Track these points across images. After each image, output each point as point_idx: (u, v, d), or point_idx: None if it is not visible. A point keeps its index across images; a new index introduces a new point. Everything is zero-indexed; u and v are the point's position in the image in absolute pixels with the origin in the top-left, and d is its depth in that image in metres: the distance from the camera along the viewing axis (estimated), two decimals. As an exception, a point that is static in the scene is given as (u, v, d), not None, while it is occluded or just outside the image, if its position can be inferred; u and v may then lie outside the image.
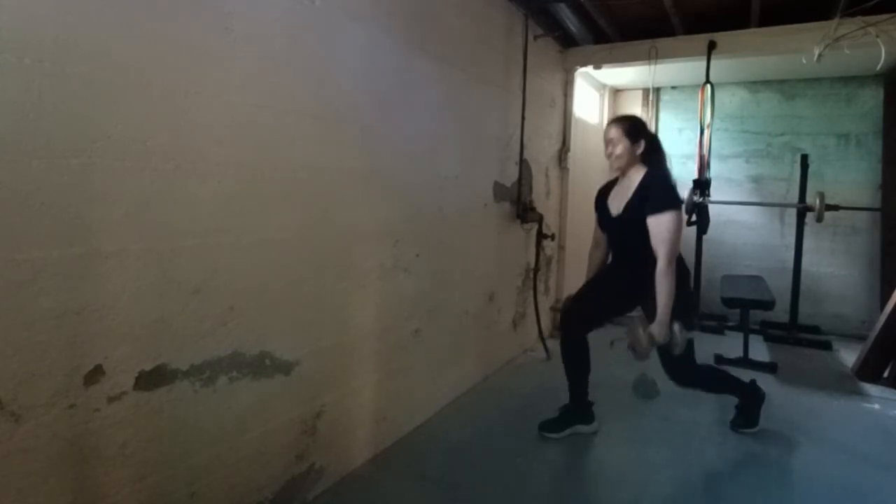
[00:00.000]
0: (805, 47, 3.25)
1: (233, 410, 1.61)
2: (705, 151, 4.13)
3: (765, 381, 2.97)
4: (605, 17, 3.52)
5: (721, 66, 3.98)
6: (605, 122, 5.13)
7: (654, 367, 2.32)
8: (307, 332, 1.86)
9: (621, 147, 2.26)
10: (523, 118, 3.30)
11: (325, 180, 1.89)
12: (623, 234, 2.32)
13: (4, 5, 1.07)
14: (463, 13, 2.67)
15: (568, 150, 4.08)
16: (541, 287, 3.76)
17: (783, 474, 2.21)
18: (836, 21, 3.04)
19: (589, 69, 4.16)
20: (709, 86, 3.99)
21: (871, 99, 4.32)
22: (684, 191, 4.17)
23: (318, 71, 1.83)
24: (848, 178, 4.42)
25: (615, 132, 2.28)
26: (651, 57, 3.73)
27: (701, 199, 4.13)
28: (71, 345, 1.22)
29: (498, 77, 3.06)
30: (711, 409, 2.76)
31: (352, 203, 2.02)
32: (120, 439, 1.33)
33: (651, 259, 2.12)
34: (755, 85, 4.72)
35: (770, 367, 3.41)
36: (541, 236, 3.60)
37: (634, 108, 5.23)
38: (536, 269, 3.60)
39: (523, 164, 3.38)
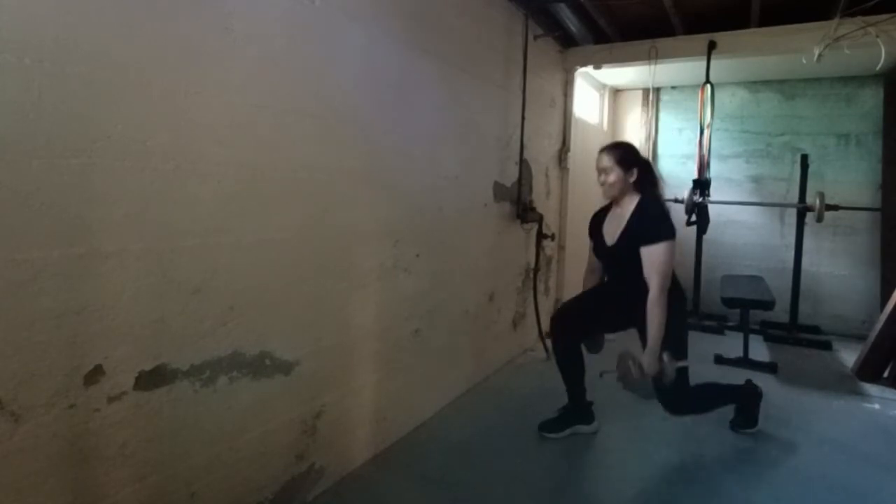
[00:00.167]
0: (805, 47, 3.25)
1: (233, 410, 1.61)
2: (705, 151, 4.14)
3: (765, 381, 2.98)
4: (605, 17, 3.52)
5: (721, 66, 3.99)
6: (605, 122, 5.14)
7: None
8: (307, 332, 1.86)
9: (614, 175, 2.25)
10: (523, 118, 3.30)
11: (325, 180, 1.89)
12: (618, 264, 2.33)
13: (4, 5, 1.07)
14: (463, 13, 2.67)
15: (568, 150, 4.08)
16: (541, 287, 3.77)
17: (783, 474, 2.21)
18: (836, 21, 3.04)
19: (589, 69, 4.16)
20: (709, 86, 3.99)
21: (871, 99, 4.33)
22: (685, 191, 4.19)
23: (318, 71, 1.83)
24: (848, 178, 4.42)
25: (607, 161, 2.27)
26: (651, 57, 3.73)
27: (701, 199, 4.14)
28: (71, 345, 1.22)
29: (498, 77, 3.06)
30: (711, 409, 2.75)
31: (352, 203, 2.02)
32: (120, 439, 1.33)
33: (645, 287, 2.13)
34: (755, 85, 4.72)
35: (770, 367, 3.41)
36: (541, 236, 3.60)
37: (634, 107, 5.23)
38: (536, 269, 3.60)
39: (523, 164, 3.38)
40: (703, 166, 4.15)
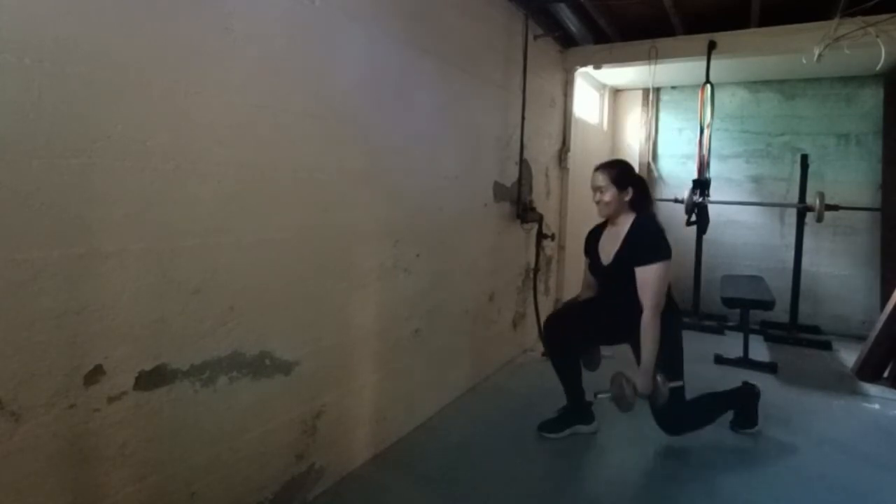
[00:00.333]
0: (805, 47, 3.25)
1: (233, 410, 1.61)
2: (705, 151, 4.14)
3: (765, 382, 2.98)
4: (605, 17, 3.52)
5: (721, 66, 3.99)
6: (605, 122, 5.14)
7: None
8: (307, 332, 1.86)
9: (609, 195, 2.25)
10: (523, 118, 3.30)
11: (325, 180, 1.89)
12: (613, 283, 2.33)
13: (4, 5, 1.07)
14: (463, 13, 2.67)
15: (568, 150, 4.08)
16: (541, 287, 3.76)
17: (783, 474, 2.21)
18: (836, 21, 3.04)
19: (589, 69, 4.16)
20: (709, 86, 3.99)
21: (871, 99, 4.33)
22: (685, 191, 4.19)
23: (318, 71, 1.83)
24: (848, 178, 4.42)
25: (602, 179, 2.26)
26: (651, 57, 3.73)
27: (701, 199, 4.14)
28: (71, 345, 1.22)
29: (498, 77, 3.06)
30: (711, 409, 2.75)
31: (352, 203, 2.02)
32: (120, 439, 1.33)
33: (640, 307, 2.13)
34: (755, 85, 4.72)
35: (770, 367, 3.41)
36: (541, 236, 3.60)
37: (634, 107, 5.23)
38: (536, 269, 3.60)
39: (523, 164, 3.38)
40: (703, 166, 4.16)
